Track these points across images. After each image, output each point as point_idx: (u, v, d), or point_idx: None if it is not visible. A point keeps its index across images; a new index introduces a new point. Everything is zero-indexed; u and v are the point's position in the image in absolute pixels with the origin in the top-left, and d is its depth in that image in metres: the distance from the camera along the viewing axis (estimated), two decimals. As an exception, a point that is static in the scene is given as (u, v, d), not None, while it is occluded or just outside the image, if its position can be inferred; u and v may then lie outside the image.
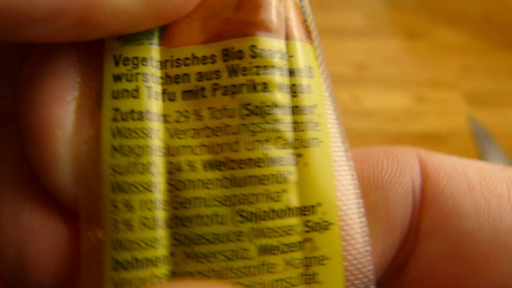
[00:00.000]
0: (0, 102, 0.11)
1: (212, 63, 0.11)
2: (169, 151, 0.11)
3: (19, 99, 0.10)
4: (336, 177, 0.11)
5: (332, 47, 0.76)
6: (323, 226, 0.11)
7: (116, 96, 0.10)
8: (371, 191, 0.12)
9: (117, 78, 0.11)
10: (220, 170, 0.10)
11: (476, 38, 0.84)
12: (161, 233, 0.10)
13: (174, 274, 0.10)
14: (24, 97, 0.10)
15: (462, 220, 0.12)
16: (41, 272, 0.10)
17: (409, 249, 0.12)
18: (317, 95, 0.11)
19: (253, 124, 0.11)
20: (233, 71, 0.11)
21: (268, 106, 0.11)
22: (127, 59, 0.11)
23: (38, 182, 0.10)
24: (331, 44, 0.77)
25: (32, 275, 0.10)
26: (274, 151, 0.11)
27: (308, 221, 0.11)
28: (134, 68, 0.11)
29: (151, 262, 0.10)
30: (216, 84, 0.11)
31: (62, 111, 0.10)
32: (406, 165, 0.13)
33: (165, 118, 0.11)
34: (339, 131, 0.12)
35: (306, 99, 0.11)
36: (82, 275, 0.10)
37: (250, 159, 0.10)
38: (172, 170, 0.10)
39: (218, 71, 0.11)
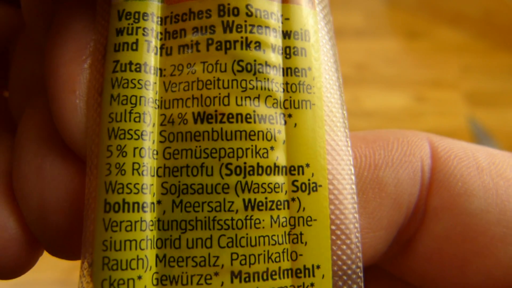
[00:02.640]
0: (33, 77, 0.13)
1: (208, 17, 0.11)
2: (163, 104, 0.11)
3: (44, 63, 0.11)
4: (328, 141, 0.11)
5: (332, 47, 0.76)
6: (311, 187, 0.11)
7: (117, 49, 0.11)
8: (382, 167, 0.12)
9: (119, 31, 0.11)
10: (209, 123, 0.11)
11: (476, 38, 0.84)
12: (151, 181, 0.10)
13: (160, 221, 0.10)
14: (47, 60, 0.11)
15: (470, 200, 0.12)
16: (60, 216, 0.11)
17: (416, 227, 0.13)
18: (313, 59, 0.11)
19: (244, 80, 0.11)
20: (227, 27, 0.11)
21: (260, 64, 0.11)
22: (129, 13, 0.11)
23: (59, 139, 0.11)
24: (331, 44, 0.76)
25: (52, 220, 0.11)
26: (263, 109, 0.11)
27: (296, 180, 0.11)
28: (135, 22, 0.11)
29: (140, 207, 0.10)
30: (211, 39, 0.11)
31: (79, 69, 0.11)
32: (416, 146, 0.13)
33: (162, 72, 0.11)
34: (338, 97, 0.12)
35: (299, 61, 0.11)
36: (85, 216, 0.11)
37: (239, 114, 0.11)
38: (165, 122, 0.11)
39: (213, 25, 0.11)
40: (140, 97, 0.11)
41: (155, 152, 0.11)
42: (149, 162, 0.10)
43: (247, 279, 0.10)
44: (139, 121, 0.10)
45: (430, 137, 0.13)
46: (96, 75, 0.11)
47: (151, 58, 0.11)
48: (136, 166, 0.10)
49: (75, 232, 0.11)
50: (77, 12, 0.11)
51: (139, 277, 0.10)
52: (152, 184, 0.10)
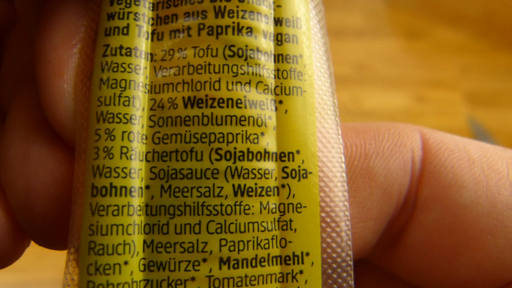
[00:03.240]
0: (24, 67, 0.13)
1: (199, 2, 0.11)
2: (153, 89, 0.11)
3: (34, 49, 0.11)
4: (318, 128, 0.11)
5: (332, 47, 0.76)
6: (301, 174, 0.11)
7: (108, 33, 0.11)
8: (372, 157, 0.12)
9: (110, 16, 0.11)
10: (200, 107, 0.10)
11: (476, 38, 0.84)
12: (140, 165, 0.10)
13: (148, 207, 0.10)
14: (37, 46, 0.11)
15: (461, 192, 0.12)
16: (46, 202, 0.11)
17: (406, 218, 0.13)
18: (304, 46, 0.11)
19: (235, 65, 0.11)
20: (219, 12, 0.11)
21: (251, 50, 0.11)
22: None
23: (47, 125, 0.11)
24: (331, 44, 0.76)
25: (38, 206, 0.11)
26: (254, 94, 0.11)
27: (286, 167, 0.11)
28: (126, 7, 0.11)
29: (128, 191, 0.10)
30: (202, 24, 0.11)
31: (68, 54, 0.11)
32: (407, 137, 0.13)
33: (152, 57, 0.11)
34: (329, 85, 0.12)
35: (290, 48, 0.11)
36: (73, 201, 0.10)
37: (230, 99, 0.11)
38: (155, 106, 0.11)
39: (204, 11, 0.11)
40: (130, 81, 0.11)
41: (144, 137, 0.11)
42: (137, 146, 0.10)
43: (235, 265, 0.10)
44: (128, 105, 0.10)
45: (422, 129, 0.13)
46: (85, 60, 0.11)
47: (142, 43, 0.11)
48: (124, 150, 0.10)
49: (61, 220, 0.11)
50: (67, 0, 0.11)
51: (126, 263, 0.10)
52: (141, 169, 0.10)
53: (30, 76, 0.12)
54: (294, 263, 0.11)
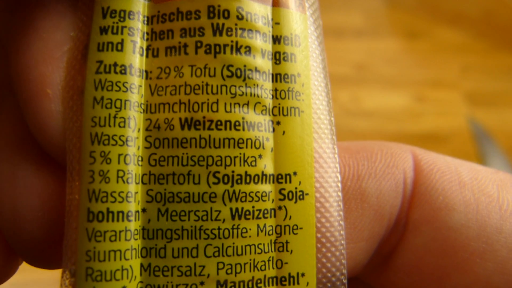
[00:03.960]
0: (1, 80, 0.12)
1: (196, 18, 0.11)
2: (148, 108, 0.10)
3: (11, 67, 0.10)
4: (316, 149, 0.11)
5: (332, 47, 0.76)
6: (298, 196, 0.11)
7: (101, 48, 0.10)
8: (365, 178, 0.12)
9: (103, 30, 0.10)
10: (197, 129, 0.10)
11: (476, 38, 0.84)
12: (136, 188, 0.10)
13: (144, 230, 0.10)
14: (15, 64, 0.10)
15: (451, 214, 0.12)
16: (34, 225, 0.10)
17: (396, 240, 0.13)
18: (303, 65, 0.11)
19: (233, 86, 0.10)
20: (217, 30, 0.11)
21: (250, 70, 0.11)
22: (114, 11, 0.11)
23: (33, 145, 0.11)
24: (331, 44, 0.77)
25: (26, 229, 0.10)
26: (252, 116, 0.11)
27: (283, 189, 0.11)
28: (120, 21, 0.10)
29: (125, 216, 0.10)
30: (200, 41, 0.11)
31: (50, 69, 0.10)
32: (399, 158, 0.13)
33: (148, 74, 0.11)
34: (326, 103, 0.12)
35: (289, 67, 0.11)
36: (66, 225, 0.10)
37: (228, 121, 0.10)
38: (150, 127, 0.10)
39: (202, 27, 0.11)
40: (125, 100, 0.10)
41: (140, 159, 0.10)
42: (133, 169, 0.10)
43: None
44: (124, 126, 0.10)
45: (414, 150, 0.13)
46: (74, 75, 0.10)
47: (136, 60, 0.10)
48: (120, 173, 0.10)
49: (51, 242, 0.11)
50: (44, 10, 0.11)
51: None
52: (137, 192, 0.10)
53: (6, 91, 0.11)
54: (289, 284, 0.11)
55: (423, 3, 0.88)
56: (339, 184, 0.12)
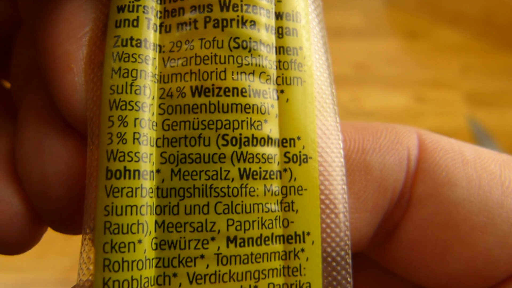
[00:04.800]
0: (32, 62, 0.13)
1: None
2: (162, 79, 0.11)
3: (39, 44, 0.12)
4: (318, 116, 0.12)
5: (332, 47, 0.76)
6: (302, 159, 0.11)
7: (118, 25, 0.11)
8: (369, 152, 0.13)
9: (120, 9, 0.11)
10: (207, 96, 0.11)
11: (476, 38, 0.84)
12: (150, 150, 0.11)
13: (158, 189, 0.11)
14: (42, 43, 0.11)
15: (453, 189, 0.12)
16: (60, 189, 0.12)
17: (400, 215, 0.13)
18: (304, 39, 0.12)
19: (240, 56, 0.11)
20: (224, 6, 0.11)
21: (255, 42, 0.11)
22: None
23: (57, 117, 0.12)
24: (331, 44, 0.76)
25: (52, 193, 0.12)
26: (258, 84, 0.11)
27: (288, 152, 0.11)
28: (136, 0, 0.11)
29: (140, 174, 0.11)
30: (208, 17, 0.11)
31: (74, 47, 0.11)
32: (404, 136, 0.13)
33: (161, 48, 0.12)
34: (327, 76, 0.12)
35: (291, 41, 0.12)
36: (87, 185, 0.11)
37: (235, 88, 0.11)
38: (164, 95, 0.11)
39: (210, 4, 0.11)
40: (141, 70, 0.11)
41: (154, 124, 0.11)
42: (148, 132, 0.11)
43: (242, 244, 0.11)
44: (140, 94, 0.11)
45: (419, 131, 0.14)
46: (95, 50, 0.11)
47: (151, 35, 0.11)
48: (136, 135, 0.11)
49: (74, 204, 0.11)
50: None
51: (140, 241, 0.10)
52: (152, 154, 0.11)
53: (38, 71, 0.13)
54: (296, 242, 0.11)
55: (423, 3, 0.88)
56: (341, 151, 0.12)
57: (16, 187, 0.12)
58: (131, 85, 0.11)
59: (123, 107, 0.11)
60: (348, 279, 0.12)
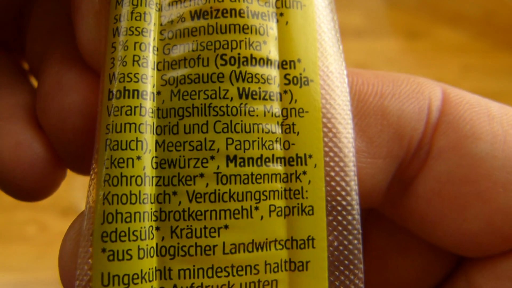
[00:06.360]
0: (54, 23, 0.14)
1: None
2: (163, 7, 0.12)
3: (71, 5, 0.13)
4: (319, 40, 0.12)
5: (332, 47, 0.76)
6: (303, 81, 0.11)
7: None
8: (387, 97, 0.12)
9: None
10: (205, 19, 0.11)
11: (476, 38, 0.84)
12: (151, 73, 0.11)
13: (159, 110, 0.11)
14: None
15: (477, 143, 0.12)
16: (77, 118, 0.12)
17: (418, 166, 0.13)
18: None
19: None
20: None
21: None
22: None
23: (79, 60, 0.13)
24: (331, 44, 0.76)
25: (70, 123, 0.12)
26: (256, 6, 0.11)
27: (288, 74, 0.11)
28: None
29: (140, 94, 0.11)
30: None
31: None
32: (426, 87, 0.13)
33: None
34: (328, 2, 0.12)
35: None
36: (98, 117, 0.11)
37: (233, 9, 0.11)
38: (165, 22, 0.12)
39: None
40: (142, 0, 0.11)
41: (155, 49, 0.11)
42: (149, 56, 0.11)
43: (242, 163, 0.11)
44: (140, 20, 0.11)
45: (444, 85, 0.13)
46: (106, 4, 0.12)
47: None
48: (136, 58, 0.11)
49: (90, 136, 0.12)
50: None
51: (138, 157, 0.11)
52: (152, 76, 0.11)
53: (59, 32, 0.14)
54: (297, 164, 0.11)
55: (423, 3, 0.88)
56: (345, 78, 0.12)
57: (36, 131, 0.13)
58: (132, 13, 0.11)
59: (124, 33, 0.11)
60: (355, 205, 0.11)
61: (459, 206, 0.12)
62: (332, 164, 0.11)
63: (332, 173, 0.11)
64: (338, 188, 0.11)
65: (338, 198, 0.11)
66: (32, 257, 0.55)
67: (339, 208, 0.11)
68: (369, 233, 0.14)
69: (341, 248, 0.11)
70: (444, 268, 0.14)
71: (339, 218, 0.11)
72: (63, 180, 0.14)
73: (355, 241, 0.11)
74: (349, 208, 0.11)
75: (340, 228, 0.11)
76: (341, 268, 0.11)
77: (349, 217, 0.11)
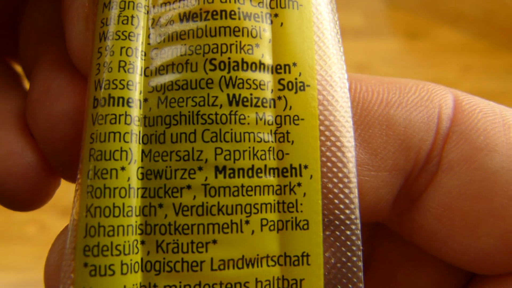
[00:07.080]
0: (46, 26, 0.14)
1: None
2: (151, 10, 0.11)
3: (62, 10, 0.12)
4: (317, 42, 0.11)
5: (332, 47, 0.76)
6: (298, 87, 0.11)
7: None
8: (394, 106, 0.12)
9: None
10: (194, 21, 0.11)
11: (476, 38, 0.84)
12: (138, 79, 0.11)
13: (146, 118, 0.11)
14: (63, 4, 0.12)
15: (491, 155, 0.11)
16: (66, 126, 0.12)
17: (428, 180, 0.12)
18: None
19: None
20: None
21: None
22: None
23: (69, 66, 0.12)
24: (331, 44, 0.76)
25: (59, 130, 0.12)
26: (248, 7, 0.11)
27: (282, 79, 0.11)
28: None
29: (125, 101, 0.10)
30: None
31: (82, 4, 0.12)
32: (436, 94, 0.12)
33: None
34: (327, 1, 0.12)
35: None
36: (84, 126, 0.11)
37: (223, 11, 0.11)
38: (153, 25, 0.11)
39: None
40: (129, 2, 0.11)
41: (143, 53, 0.11)
42: (136, 61, 0.11)
43: (231, 174, 0.10)
44: (127, 23, 0.11)
45: (455, 91, 0.12)
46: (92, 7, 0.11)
47: None
48: (122, 64, 0.10)
49: (79, 143, 0.11)
50: None
51: (123, 168, 0.10)
52: (139, 83, 0.11)
53: (52, 34, 0.13)
54: (291, 176, 0.11)
55: (423, 3, 0.88)
56: (346, 82, 0.11)
57: (28, 140, 0.13)
58: (118, 16, 0.11)
59: (111, 38, 0.11)
60: (354, 219, 0.11)
61: (471, 223, 0.11)
62: (330, 175, 0.11)
63: (330, 185, 0.11)
64: (336, 201, 0.11)
65: (336, 211, 0.11)
66: (32, 257, 0.55)
67: (337, 222, 0.11)
68: (378, 247, 0.14)
69: (338, 265, 0.11)
70: (456, 283, 0.13)
71: (337, 233, 0.11)
72: (57, 188, 0.13)
73: (354, 258, 0.11)
74: (347, 222, 0.11)
75: (337, 244, 0.11)
76: (339, 287, 0.11)
77: (348, 232, 0.11)
